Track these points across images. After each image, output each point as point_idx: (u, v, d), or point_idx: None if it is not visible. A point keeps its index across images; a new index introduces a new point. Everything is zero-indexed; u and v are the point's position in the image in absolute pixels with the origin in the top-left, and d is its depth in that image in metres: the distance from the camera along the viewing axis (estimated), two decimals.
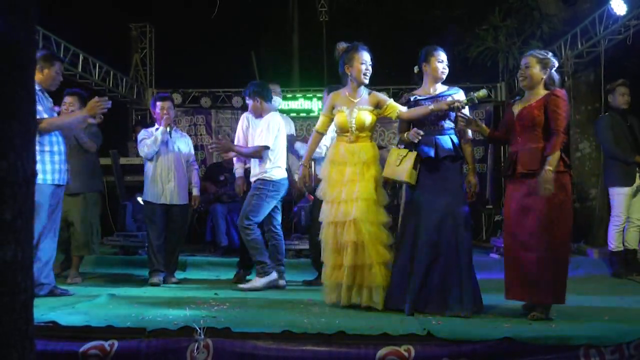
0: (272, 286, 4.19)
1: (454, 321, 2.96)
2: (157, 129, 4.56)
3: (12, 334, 1.45)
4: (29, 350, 1.55)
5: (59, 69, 3.83)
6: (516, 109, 3.29)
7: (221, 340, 2.51)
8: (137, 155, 6.71)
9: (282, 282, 4.32)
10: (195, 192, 4.78)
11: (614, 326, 2.77)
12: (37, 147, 3.27)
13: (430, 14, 8.96)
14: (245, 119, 4.51)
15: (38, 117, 3.44)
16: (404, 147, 3.48)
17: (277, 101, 4.83)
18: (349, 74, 3.51)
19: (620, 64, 6.84)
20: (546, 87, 3.23)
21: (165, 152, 4.52)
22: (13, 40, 1.47)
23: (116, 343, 2.50)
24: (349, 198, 3.36)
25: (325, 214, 3.45)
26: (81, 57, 6.86)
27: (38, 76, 3.61)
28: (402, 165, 3.35)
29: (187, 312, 2.96)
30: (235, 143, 4.49)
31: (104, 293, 3.77)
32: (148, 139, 4.49)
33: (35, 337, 1.59)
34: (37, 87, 3.55)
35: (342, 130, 3.54)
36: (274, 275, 4.21)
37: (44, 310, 3.03)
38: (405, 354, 2.45)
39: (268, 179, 4.25)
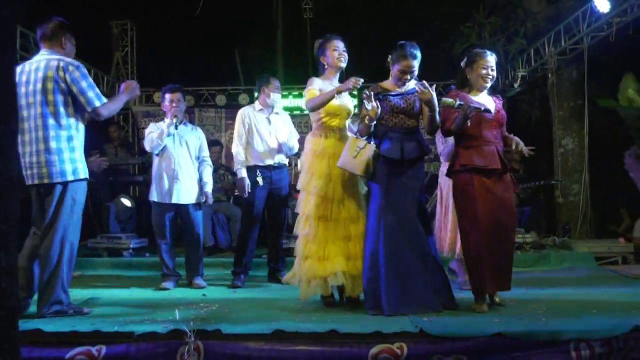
0: None
1: (445, 318, 2.96)
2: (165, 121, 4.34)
3: (1, 342, 1.39)
4: (15, 358, 1.50)
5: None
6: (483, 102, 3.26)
7: (212, 342, 2.48)
8: (116, 156, 6.66)
9: None
10: (207, 188, 4.37)
11: (602, 319, 2.80)
12: (76, 143, 3.16)
13: (417, 8, 8.97)
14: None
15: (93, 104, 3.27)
16: (364, 138, 3.27)
17: (276, 97, 4.56)
18: (325, 62, 3.49)
19: (602, 61, 6.93)
20: None
21: (172, 147, 4.27)
22: None
23: (104, 348, 2.45)
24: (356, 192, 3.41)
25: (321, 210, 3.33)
26: None
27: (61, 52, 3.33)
28: (358, 159, 3.19)
29: (176, 313, 2.90)
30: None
31: (89, 296, 3.69)
32: (155, 132, 4.26)
33: (20, 344, 1.54)
34: None
35: (334, 116, 3.44)
36: None
37: (26, 316, 2.95)
38: (398, 351, 2.45)
39: None
